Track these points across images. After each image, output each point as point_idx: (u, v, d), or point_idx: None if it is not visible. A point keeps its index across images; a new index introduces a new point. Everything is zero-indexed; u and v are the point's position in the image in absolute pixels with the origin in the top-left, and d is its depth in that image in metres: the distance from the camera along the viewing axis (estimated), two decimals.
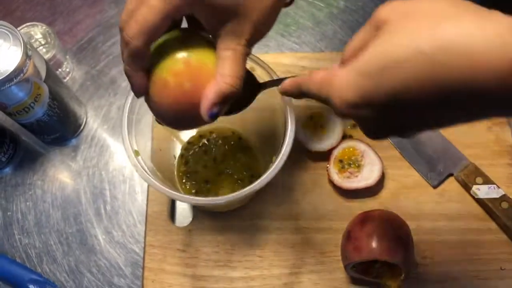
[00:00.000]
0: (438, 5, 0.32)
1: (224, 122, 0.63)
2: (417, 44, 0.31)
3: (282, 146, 0.49)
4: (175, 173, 0.62)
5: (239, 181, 0.61)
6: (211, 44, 0.42)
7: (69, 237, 0.63)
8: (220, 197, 0.49)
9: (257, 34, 0.42)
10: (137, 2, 0.39)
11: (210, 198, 0.51)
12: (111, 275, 0.61)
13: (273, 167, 0.48)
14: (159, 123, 0.47)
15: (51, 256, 0.62)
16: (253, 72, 0.51)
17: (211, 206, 0.61)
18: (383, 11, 0.34)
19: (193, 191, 0.61)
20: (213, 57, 0.41)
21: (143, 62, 0.41)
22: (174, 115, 0.43)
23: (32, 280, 0.59)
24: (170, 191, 0.48)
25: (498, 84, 0.29)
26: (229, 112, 0.47)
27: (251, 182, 0.48)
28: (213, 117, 0.41)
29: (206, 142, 0.64)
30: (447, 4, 0.32)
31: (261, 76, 0.52)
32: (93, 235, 0.63)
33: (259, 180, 0.48)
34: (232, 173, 0.62)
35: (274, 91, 0.51)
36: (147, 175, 0.49)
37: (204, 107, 0.40)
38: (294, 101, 0.51)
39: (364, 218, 0.55)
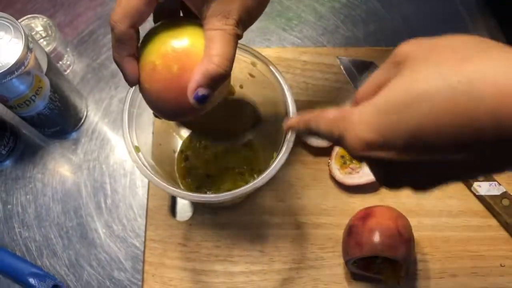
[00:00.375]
0: (464, 40, 0.30)
1: None
2: (444, 78, 0.28)
3: (284, 141, 0.49)
4: (175, 168, 0.62)
5: (240, 175, 0.61)
6: (202, 28, 0.41)
7: (69, 230, 0.63)
8: (219, 195, 0.48)
9: (249, 15, 0.40)
10: None
11: (208, 195, 0.50)
12: (111, 269, 0.61)
13: (275, 163, 0.48)
14: (156, 116, 0.47)
15: (51, 250, 0.62)
16: (254, 76, 0.51)
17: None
18: (405, 47, 0.32)
19: (195, 186, 0.61)
20: (203, 40, 0.40)
21: (130, 47, 0.40)
22: (165, 102, 0.42)
23: (32, 273, 0.59)
24: (171, 187, 0.48)
25: None
26: (228, 139, 0.48)
27: (252, 176, 0.48)
28: (200, 100, 0.39)
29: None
30: (473, 40, 0.30)
31: (262, 71, 0.52)
32: (93, 229, 0.63)
33: (261, 177, 0.47)
34: (234, 167, 0.61)
35: (274, 83, 0.51)
36: (147, 171, 0.49)
37: (190, 89, 0.39)
38: (296, 96, 0.51)
39: (366, 214, 0.55)
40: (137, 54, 0.42)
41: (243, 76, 0.55)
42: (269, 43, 0.72)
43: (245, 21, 0.40)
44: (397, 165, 0.31)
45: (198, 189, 0.61)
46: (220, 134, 0.51)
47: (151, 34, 0.42)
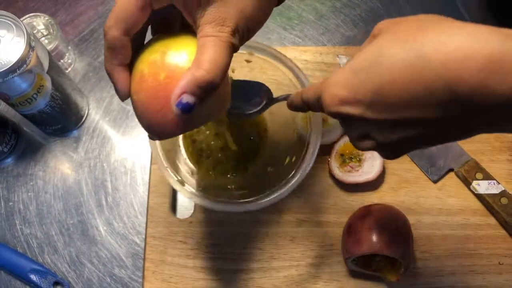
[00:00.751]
0: (424, 16, 0.34)
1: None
2: (403, 45, 0.32)
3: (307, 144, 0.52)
4: (186, 154, 0.62)
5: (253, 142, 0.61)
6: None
7: (70, 227, 0.63)
8: (257, 202, 0.50)
9: (247, 24, 0.37)
10: None
11: (243, 205, 0.51)
12: (112, 266, 0.61)
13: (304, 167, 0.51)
14: (151, 138, 0.42)
15: (52, 247, 0.62)
16: (250, 61, 0.51)
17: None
18: (380, 24, 0.36)
19: (212, 166, 0.60)
20: (195, 50, 0.37)
21: (121, 56, 0.38)
22: (151, 115, 0.38)
23: (34, 270, 0.60)
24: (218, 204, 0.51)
25: (473, 86, 0.30)
26: (245, 115, 0.48)
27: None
28: (184, 109, 0.36)
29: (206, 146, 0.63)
30: (431, 16, 0.34)
31: (261, 57, 0.53)
32: (94, 226, 0.63)
33: (289, 184, 0.51)
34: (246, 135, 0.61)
35: (276, 64, 0.54)
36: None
37: (173, 95, 0.36)
38: None
39: (365, 212, 0.56)
40: (130, 67, 0.39)
41: (241, 63, 0.55)
42: (269, 42, 0.72)
43: (243, 30, 0.37)
44: (366, 123, 0.35)
45: (215, 169, 0.60)
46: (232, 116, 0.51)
47: (145, 46, 0.40)
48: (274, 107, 0.52)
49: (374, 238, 0.53)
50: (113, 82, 0.39)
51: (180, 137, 0.62)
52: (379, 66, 0.33)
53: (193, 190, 0.53)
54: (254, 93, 0.50)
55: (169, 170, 0.52)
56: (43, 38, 0.67)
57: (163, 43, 0.39)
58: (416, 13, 0.35)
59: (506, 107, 0.29)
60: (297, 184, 0.51)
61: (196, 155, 0.61)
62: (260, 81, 0.51)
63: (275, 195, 0.51)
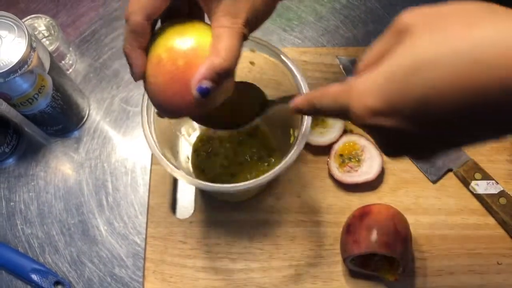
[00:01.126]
0: (470, 7, 0.29)
1: None
2: (451, 44, 0.27)
3: (301, 123, 0.50)
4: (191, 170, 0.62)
5: (258, 161, 0.61)
6: (209, 28, 0.42)
7: (71, 227, 0.64)
8: (237, 184, 0.49)
9: (256, 17, 0.41)
10: None
11: (233, 185, 0.50)
12: (112, 265, 0.62)
13: (295, 148, 0.49)
14: (158, 115, 0.46)
15: (53, 246, 0.63)
16: (254, 64, 0.51)
17: (232, 194, 0.61)
18: (406, 16, 0.31)
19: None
20: (210, 39, 0.40)
21: (142, 39, 0.40)
22: (168, 97, 0.41)
23: (35, 269, 0.60)
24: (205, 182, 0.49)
25: None
26: (237, 126, 0.48)
27: (268, 159, 0.50)
28: (203, 93, 0.39)
29: (212, 142, 0.63)
30: (479, 5, 0.29)
31: (263, 55, 0.53)
32: (95, 226, 0.63)
33: (278, 166, 0.49)
34: (249, 155, 0.62)
35: (277, 63, 0.53)
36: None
37: (194, 80, 0.39)
38: None
39: (364, 212, 0.56)
40: (146, 43, 0.42)
41: (243, 66, 0.55)
42: None
43: (251, 23, 0.41)
44: (400, 132, 0.31)
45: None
46: (226, 122, 0.51)
47: (159, 31, 0.42)
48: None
49: (373, 238, 0.53)
50: (130, 63, 0.41)
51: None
52: (421, 72, 0.28)
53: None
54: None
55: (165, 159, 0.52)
56: (44, 39, 0.67)
57: (177, 30, 0.41)
58: None
59: None
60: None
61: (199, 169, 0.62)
62: (260, 86, 0.51)
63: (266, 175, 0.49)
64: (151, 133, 0.51)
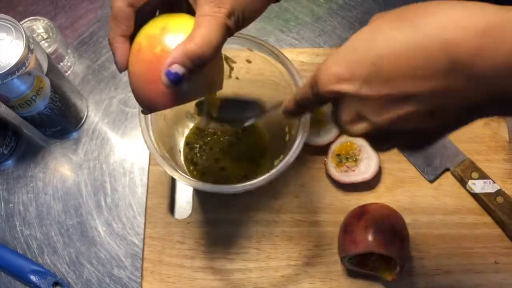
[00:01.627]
0: (422, 4, 0.34)
1: None
2: (402, 22, 0.33)
3: (300, 123, 0.50)
4: (185, 168, 0.62)
5: (252, 160, 0.62)
6: None
7: (69, 228, 0.64)
8: (232, 186, 0.49)
9: (243, 10, 0.40)
10: None
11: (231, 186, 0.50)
12: (111, 266, 0.62)
13: (293, 149, 0.49)
14: (143, 112, 0.44)
15: (52, 248, 0.63)
16: (250, 62, 0.51)
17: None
18: (375, 15, 0.36)
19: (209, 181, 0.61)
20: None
21: (124, 27, 0.40)
22: (144, 87, 0.40)
23: (33, 270, 0.60)
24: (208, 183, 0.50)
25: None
26: (233, 123, 0.49)
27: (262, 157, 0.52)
28: (173, 79, 0.37)
29: (205, 140, 0.64)
30: (433, 1, 0.33)
31: (260, 54, 0.53)
32: (93, 227, 0.64)
33: (278, 166, 0.49)
34: (244, 151, 0.62)
35: (274, 63, 0.54)
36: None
37: (164, 64, 0.37)
38: None
39: (361, 212, 0.56)
40: (129, 31, 0.41)
41: (239, 64, 0.56)
42: None
43: (238, 15, 0.40)
44: (361, 101, 0.35)
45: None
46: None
47: (147, 23, 0.41)
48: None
49: (370, 237, 0.53)
50: (112, 52, 0.41)
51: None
52: (377, 41, 0.33)
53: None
54: (245, 110, 0.51)
55: (165, 161, 0.52)
56: (42, 42, 0.67)
57: (163, 20, 0.41)
58: None
59: (508, 73, 0.29)
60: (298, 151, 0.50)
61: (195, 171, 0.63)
62: (257, 86, 0.51)
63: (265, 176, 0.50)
64: (149, 134, 0.51)
